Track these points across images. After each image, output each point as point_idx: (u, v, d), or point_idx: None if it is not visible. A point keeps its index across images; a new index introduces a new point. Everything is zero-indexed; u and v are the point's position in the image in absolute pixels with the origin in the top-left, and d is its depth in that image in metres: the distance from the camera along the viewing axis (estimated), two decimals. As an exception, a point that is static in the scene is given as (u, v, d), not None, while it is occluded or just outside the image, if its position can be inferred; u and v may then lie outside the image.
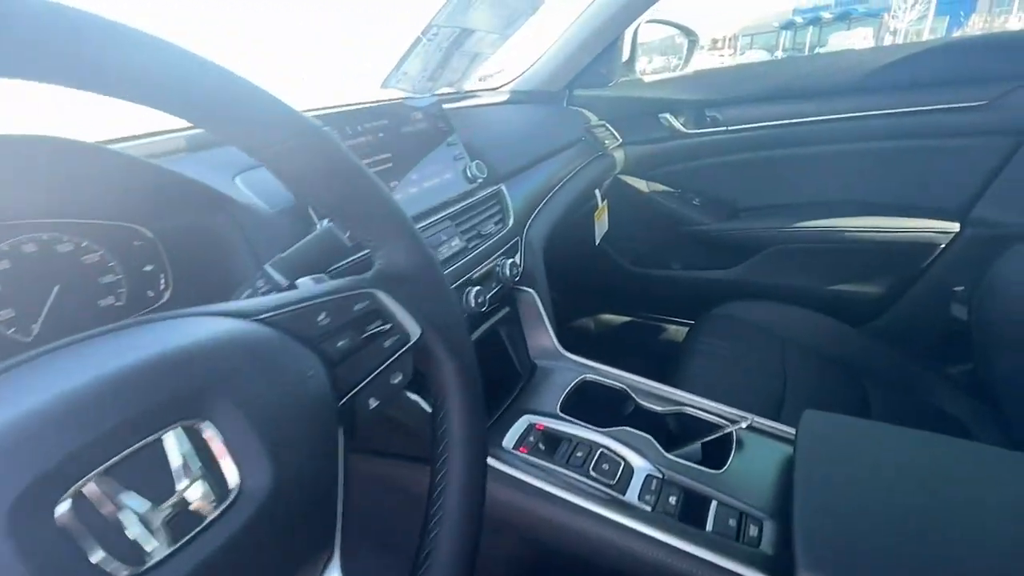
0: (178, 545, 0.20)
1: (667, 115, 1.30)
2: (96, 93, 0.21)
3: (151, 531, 0.20)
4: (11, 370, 0.20)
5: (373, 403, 0.31)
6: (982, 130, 1.02)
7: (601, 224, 1.31)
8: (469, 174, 0.76)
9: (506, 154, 0.89)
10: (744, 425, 0.68)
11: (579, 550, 0.59)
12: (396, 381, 0.32)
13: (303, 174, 0.29)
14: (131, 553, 0.19)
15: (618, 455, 0.64)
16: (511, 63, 1.38)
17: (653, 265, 1.48)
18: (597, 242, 1.30)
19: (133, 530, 0.19)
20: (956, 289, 1.09)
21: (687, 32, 1.47)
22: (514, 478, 0.62)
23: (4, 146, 0.31)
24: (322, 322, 0.29)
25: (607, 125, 1.34)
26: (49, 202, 0.37)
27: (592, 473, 0.62)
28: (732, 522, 0.56)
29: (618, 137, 1.35)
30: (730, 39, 29.82)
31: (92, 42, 0.20)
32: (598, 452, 0.64)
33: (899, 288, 1.18)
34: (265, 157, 0.28)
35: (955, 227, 1.08)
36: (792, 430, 0.63)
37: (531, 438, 0.68)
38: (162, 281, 0.44)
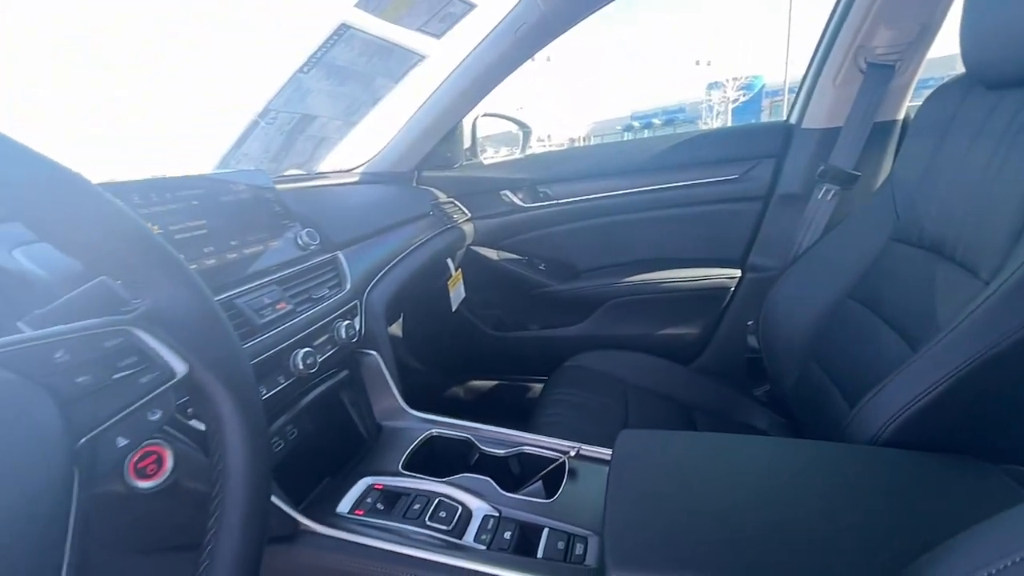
0: None
1: (507, 192, 1.46)
2: None
3: None
4: None
5: (122, 442, 0.30)
6: (739, 197, 1.31)
7: (457, 292, 1.38)
8: (300, 242, 0.78)
9: (344, 225, 0.93)
10: (572, 454, 0.73)
11: None
12: (154, 418, 0.32)
13: (48, 217, 0.30)
14: None
15: (456, 501, 0.65)
16: (366, 147, 1.47)
17: (512, 328, 1.56)
18: (453, 308, 1.35)
19: None
20: (749, 323, 1.31)
21: (521, 125, 1.70)
22: (348, 542, 0.59)
23: None
24: (59, 359, 0.28)
25: (455, 202, 1.45)
26: None
27: (428, 523, 0.61)
28: (561, 545, 0.59)
29: (467, 212, 1.47)
30: (584, 138, 34.41)
31: None
32: (436, 501, 0.64)
33: (711, 328, 1.38)
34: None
35: (738, 273, 1.32)
36: None
37: (369, 499, 0.66)
38: None
